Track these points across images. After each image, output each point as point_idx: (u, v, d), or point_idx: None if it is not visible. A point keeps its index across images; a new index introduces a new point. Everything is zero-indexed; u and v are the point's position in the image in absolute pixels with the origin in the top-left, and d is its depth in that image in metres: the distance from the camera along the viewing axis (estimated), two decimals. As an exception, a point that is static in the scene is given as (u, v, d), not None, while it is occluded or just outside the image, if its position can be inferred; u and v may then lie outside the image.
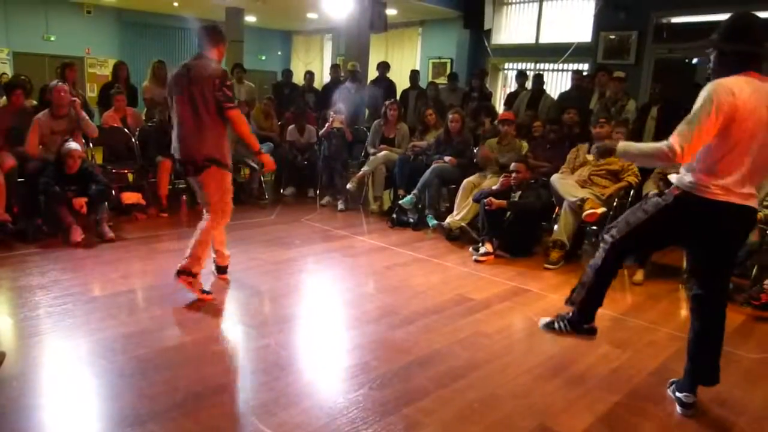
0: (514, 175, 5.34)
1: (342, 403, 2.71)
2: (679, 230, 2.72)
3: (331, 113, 7.30)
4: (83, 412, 2.56)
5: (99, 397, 2.68)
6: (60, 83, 5.54)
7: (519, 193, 5.36)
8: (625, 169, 5.22)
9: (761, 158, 2.53)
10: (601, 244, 2.90)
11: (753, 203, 2.60)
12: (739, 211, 2.56)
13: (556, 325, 3.15)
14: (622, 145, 2.79)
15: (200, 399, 2.68)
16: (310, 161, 7.51)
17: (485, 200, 5.33)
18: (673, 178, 2.74)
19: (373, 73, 9.52)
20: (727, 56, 2.56)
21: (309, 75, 9.78)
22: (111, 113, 6.71)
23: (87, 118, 5.64)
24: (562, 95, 7.98)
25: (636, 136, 6.65)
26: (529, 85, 8.27)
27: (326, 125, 7.25)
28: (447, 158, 6.22)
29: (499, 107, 9.42)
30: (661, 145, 2.49)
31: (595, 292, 2.97)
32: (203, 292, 3.89)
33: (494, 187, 5.50)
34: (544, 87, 8.22)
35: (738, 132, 2.46)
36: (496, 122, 6.88)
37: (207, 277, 4.15)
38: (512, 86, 9.51)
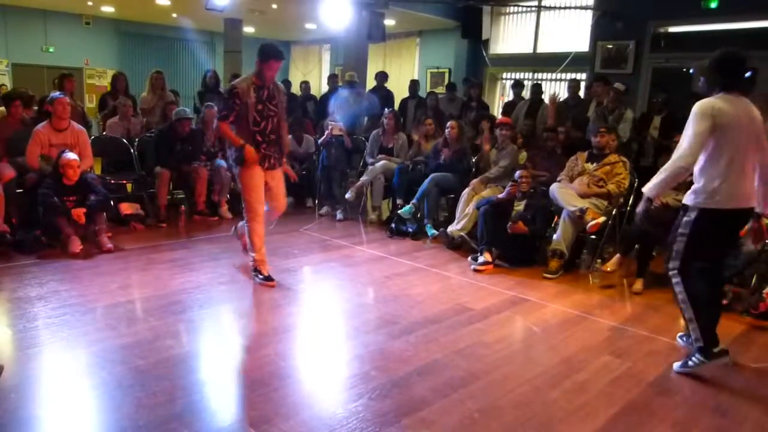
0: (521, 181, 5.34)
1: (341, 413, 2.70)
2: (719, 233, 3.25)
3: (329, 122, 7.31)
4: (82, 424, 2.54)
5: (97, 408, 2.66)
6: (62, 95, 5.52)
7: (524, 202, 5.36)
8: (613, 174, 5.23)
9: (749, 162, 3.17)
10: (673, 281, 3.30)
11: (752, 203, 3.21)
12: (743, 213, 3.21)
13: (690, 363, 3.28)
14: (648, 188, 3.28)
15: (199, 410, 2.66)
16: (309, 171, 7.51)
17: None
18: (687, 200, 3.25)
19: (371, 83, 9.55)
20: (712, 82, 3.22)
21: (305, 84, 9.83)
22: (116, 121, 6.72)
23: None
24: (560, 105, 7.99)
25: (636, 146, 6.69)
26: (527, 94, 8.29)
27: (325, 133, 7.27)
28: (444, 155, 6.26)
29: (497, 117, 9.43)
30: (675, 167, 3.11)
31: (706, 319, 3.24)
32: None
33: (500, 196, 5.50)
34: (542, 97, 8.24)
35: (724, 141, 3.08)
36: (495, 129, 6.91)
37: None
38: (509, 96, 9.54)
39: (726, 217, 3.16)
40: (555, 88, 10.21)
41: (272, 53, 4.30)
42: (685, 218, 3.24)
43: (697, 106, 3.12)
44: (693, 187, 3.22)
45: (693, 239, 3.20)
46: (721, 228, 3.22)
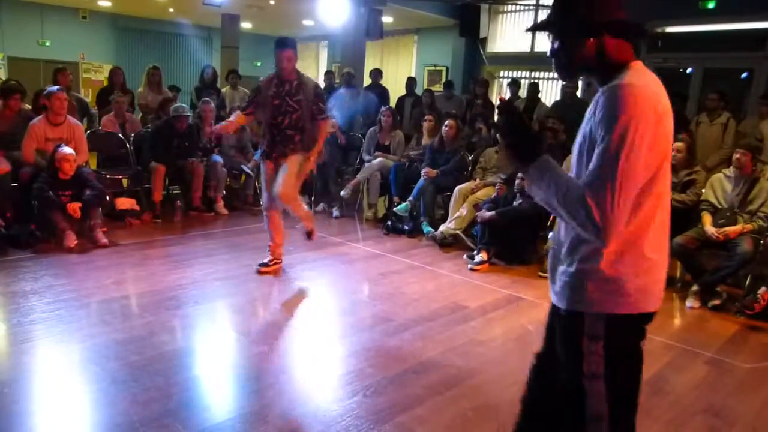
0: (518, 182, 5.34)
1: (336, 410, 2.70)
2: None
3: None
4: (76, 419, 2.54)
5: (91, 404, 2.66)
6: (59, 90, 5.49)
7: (521, 200, 5.36)
8: None
9: None
10: None
11: None
12: None
13: None
14: None
15: (193, 406, 2.66)
16: (305, 168, 7.50)
17: (477, 215, 5.36)
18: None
19: (368, 81, 9.54)
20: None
21: None
22: (111, 117, 6.70)
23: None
24: (556, 104, 8.00)
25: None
26: (524, 93, 8.30)
27: None
28: (424, 170, 6.22)
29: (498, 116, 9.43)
30: None
31: None
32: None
33: (492, 196, 5.52)
34: (539, 95, 8.25)
35: None
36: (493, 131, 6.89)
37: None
38: (506, 94, 9.54)
39: None
40: (552, 87, 10.23)
41: (275, 44, 4.27)
42: None
43: None
44: None
45: None
46: None
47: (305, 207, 4.76)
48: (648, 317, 1.59)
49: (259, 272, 4.61)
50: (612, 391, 1.58)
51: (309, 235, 4.86)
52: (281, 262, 4.81)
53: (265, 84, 4.36)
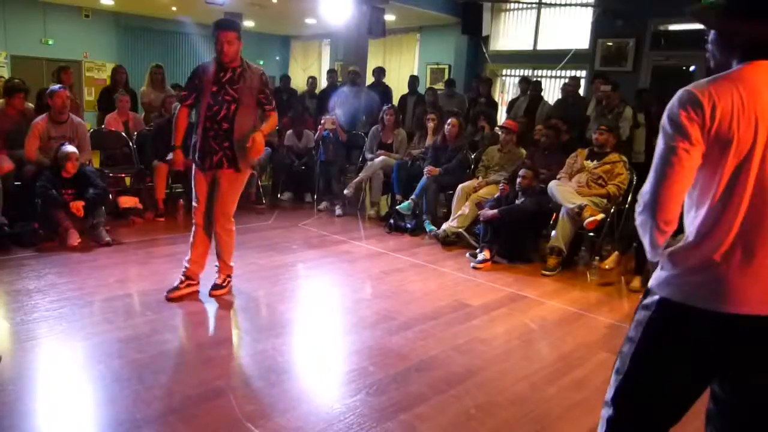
0: (519, 180, 5.33)
1: (339, 408, 2.70)
2: None
3: (325, 117, 7.32)
4: (79, 417, 2.55)
5: (95, 402, 2.67)
6: (61, 88, 5.49)
7: (523, 199, 5.36)
8: (614, 174, 5.23)
9: None
10: None
11: None
12: None
13: None
14: None
15: (196, 404, 2.67)
16: (308, 166, 7.51)
17: (479, 213, 5.37)
18: None
19: (371, 79, 9.54)
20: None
21: (312, 80, 9.74)
22: (114, 116, 6.70)
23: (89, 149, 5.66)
24: (558, 102, 7.99)
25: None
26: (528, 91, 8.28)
27: (318, 128, 7.27)
28: (427, 169, 6.22)
29: (501, 114, 9.43)
30: None
31: None
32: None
33: (495, 196, 5.52)
34: (542, 94, 8.24)
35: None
36: (496, 128, 6.89)
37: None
38: (512, 93, 9.53)
39: None
40: (555, 85, 10.21)
41: (215, 25, 3.77)
42: None
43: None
44: None
45: None
46: None
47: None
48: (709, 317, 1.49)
49: (168, 298, 3.92)
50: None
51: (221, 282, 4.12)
52: (197, 283, 4.10)
53: (204, 69, 3.85)
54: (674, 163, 1.45)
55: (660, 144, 1.50)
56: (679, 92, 1.48)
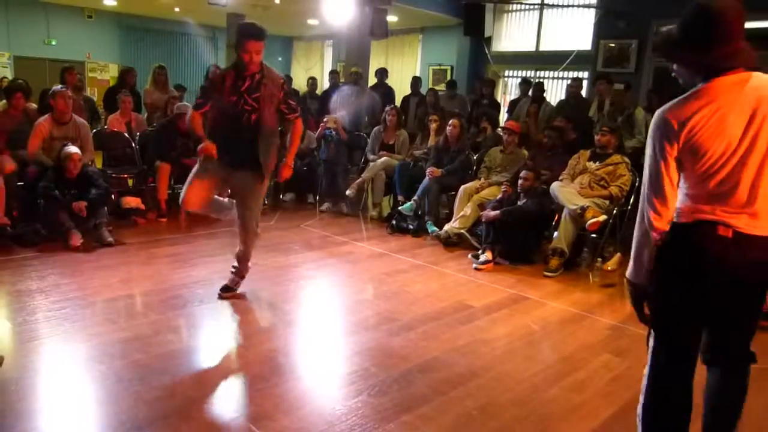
0: (520, 182, 5.33)
1: (341, 410, 2.70)
2: None
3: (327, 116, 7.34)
4: (81, 417, 2.55)
5: (97, 402, 2.67)
6: (64, 89, 5.50)
7: (525, 200, 5.35)
8: (616, 175, 5.23)
9: None
10: None
11: None
12: None
13: None
14: None
15: (198, 405, 2.67)
16: (310, 167, 7.50)
17: (482, 214, 5.37)
18: None
19: (373, 80, 9.54)
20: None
21: (312, 81, 9.76)
22: (117, 116, 6.71)
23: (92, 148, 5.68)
24: (560, 103, 7.98)
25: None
26: (529, 92, 8.27)
27: (321, 125, 7.28)
28: (429, 170, 6.22)
29: (502, 115, 9.42)
30: None
31: None
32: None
33: (498, 197, 5.52)
34: (545, 95, 8.23)
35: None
36: (498, 129, 6.89)
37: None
38: (515, 94, 9.52)
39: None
40: (557, 86, 10.21)
41: (244, 32, 3.61)
42: None
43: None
44: None
45: None
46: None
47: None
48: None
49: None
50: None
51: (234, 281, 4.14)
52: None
53: (219, 77, 3.76)
54: (659, 166, 1.97)
55: (647, 151, 2.00)
56: (656, 114, 1.96)
